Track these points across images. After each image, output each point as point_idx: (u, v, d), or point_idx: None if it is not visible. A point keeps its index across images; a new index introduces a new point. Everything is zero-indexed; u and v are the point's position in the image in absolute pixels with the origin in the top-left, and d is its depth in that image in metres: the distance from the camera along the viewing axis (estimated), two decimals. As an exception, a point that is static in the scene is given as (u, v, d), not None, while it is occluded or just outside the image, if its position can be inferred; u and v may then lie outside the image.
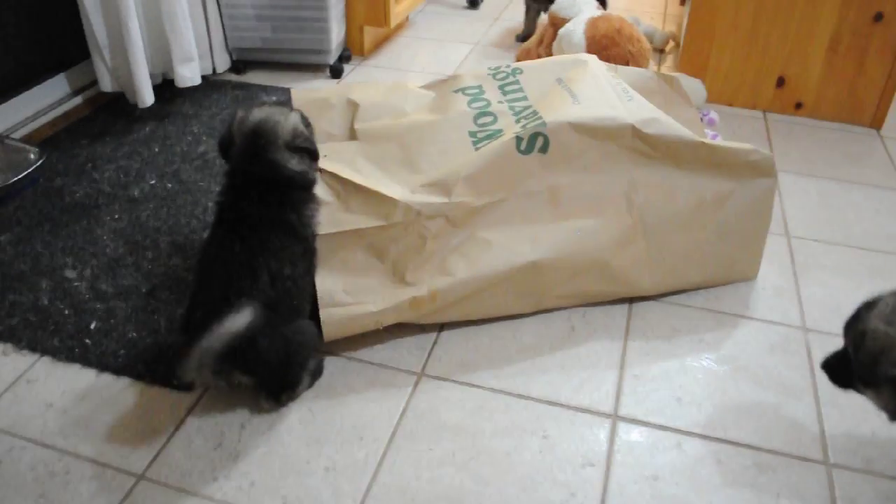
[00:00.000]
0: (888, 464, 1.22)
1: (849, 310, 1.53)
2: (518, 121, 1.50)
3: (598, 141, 1.45)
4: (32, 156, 1.89)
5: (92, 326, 1.44)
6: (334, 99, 1.59)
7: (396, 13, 2.65)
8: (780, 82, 2.34)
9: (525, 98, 1.58)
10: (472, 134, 1.51)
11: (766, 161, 1.50)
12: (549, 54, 2.57)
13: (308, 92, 1.63)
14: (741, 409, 1.31)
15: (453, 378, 1.36)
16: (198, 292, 1.24)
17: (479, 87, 1.63)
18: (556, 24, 2.56)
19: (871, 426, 1.28)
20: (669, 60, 2.74)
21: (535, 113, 1.50)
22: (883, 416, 1.29)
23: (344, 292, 1.34)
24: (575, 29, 2.37)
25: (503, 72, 1.66)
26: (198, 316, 1.19)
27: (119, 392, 1.31)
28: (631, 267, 1.48)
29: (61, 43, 2.21)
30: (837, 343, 1.45)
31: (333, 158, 1.45)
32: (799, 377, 1.38)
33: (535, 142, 1.43)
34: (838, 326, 1.49)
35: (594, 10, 2.49)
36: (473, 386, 1.34)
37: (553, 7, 2.59)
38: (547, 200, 1.45)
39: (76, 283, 1.55)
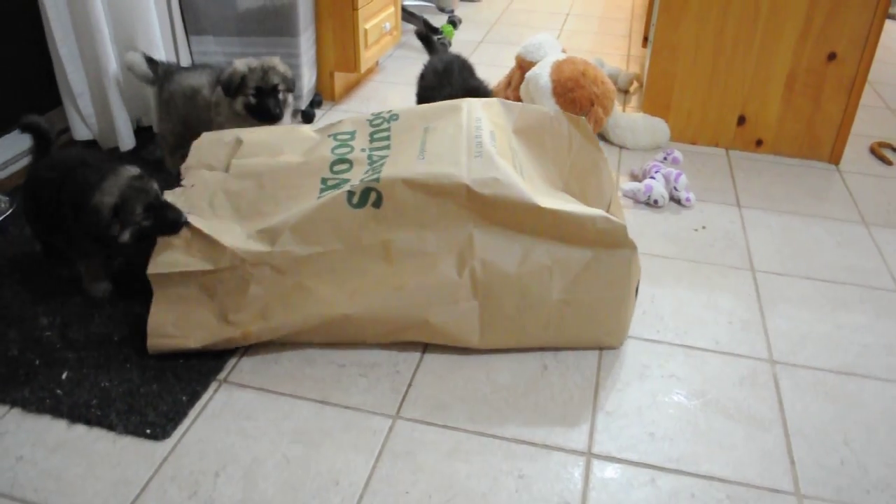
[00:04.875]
0: (857, 493, 1.24)
1: (814, 341, 1.58)
2: (366, 171, 1.50)
3: (433, 198, 1.43)
4: (2, 204, 1.89)
5: (63, 376, 1.43)
6: (228, 137, 1.67)
7: (366, 59, 2.69)
8: (741, 120, 2.41)
9: (388, 147, 1.58)
10: (324, 181, 1.52)
11: (618, 230, 1.42)
12: (517, 96, 2.63)
13: (215, 133, 1.71)
14: (713, 442, 1.33)
15: (429, 420, 1.36)
16: None
17: (353, 132, 1.64)
18: (524, 67, 2.62)
19: (839, 455, 1.31)
20: (634, 101, 2.81)
21: (382, 166, 1.50)
22: (852, 445, 1.32)
23: (172, 325, 1.45)
24: (541, 72, 2.43)
25: (381, 118, 1.67)
26: None
27: (91, 443, 1.30)
28: (453, 325, 1.46)
29: (32, 91, 2.21)
30: (804, 374, 1.49)
31: (199, 188, 1.57)
32: (768, 409, 1.41)
33: (367, 197, 1.44)
34: (804, 358, 1.54)
35: (560, 54, 2.55)
36: (449, 427, 1.35)
37: (520, 51, 2.66)
38: (379, 255, 1.46)
39: (47, 333, 1.53)
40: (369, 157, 1.55)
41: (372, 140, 1.61)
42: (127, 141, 2.25)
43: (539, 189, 1.51)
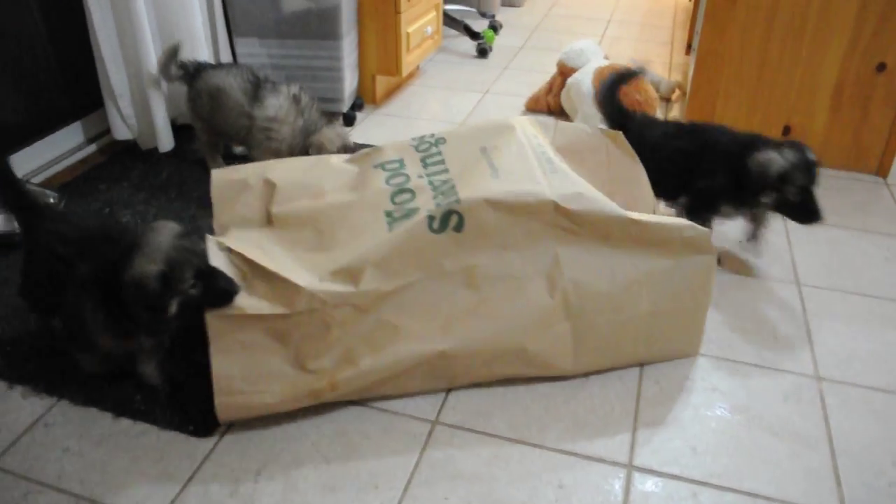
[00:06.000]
0: (905, 516, 1.21)
1: (862, 358, 1.54)
2: (435, 196, 1.41)
3: (517, 218, 1.37)
4: (52, 200, 1.93)
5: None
6: (252, 179, 1.52)
7: (408, 62, 2.70)
8: (786, 131, 2.37)
9: (446, 171, 1.48)
10: (388, 213, 1.41)
11: (701, 238, 1.42)
12: (558, 103, 2.62)
13: (228, 172, 1.54)
14: (756, 458, 1.31)
15: (468, 426, 1.36)
16: None
17: (401, 160, 1.54)
18: (565, 73, 2.62)
19: (888, 478, 1.28)
20: (676, 109, 2.78)
21: (452, 188, 1.41)
22: (899, 466, 1.29)
23: (241, 379, 1.29)
24: (583, 79, 2.42)
25: (426, 142, 1.58)
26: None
27: (136, 437, 1.32)
28: (550, 350, 1.41)
29: (77, 91, 2.25)
30: (851, 392, 1.46)
31: (241, 242, 1.40)
32: (813, 426, 1.38)
33: (448, 220, 1.36)
34: (851, 375, 1.51)
35: (602, 60, 2.54)
36: (488, 434, 1.35)
37: (561, 56, 2.65)
38: (462, 281, 1.37)
39: (93, 328, 1.56)
40: (430, 182, 1.46)
41: (425, 165, 1.51)
42: (166, 142, 2.28)
43: None
